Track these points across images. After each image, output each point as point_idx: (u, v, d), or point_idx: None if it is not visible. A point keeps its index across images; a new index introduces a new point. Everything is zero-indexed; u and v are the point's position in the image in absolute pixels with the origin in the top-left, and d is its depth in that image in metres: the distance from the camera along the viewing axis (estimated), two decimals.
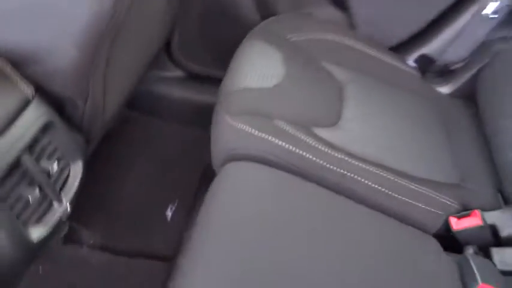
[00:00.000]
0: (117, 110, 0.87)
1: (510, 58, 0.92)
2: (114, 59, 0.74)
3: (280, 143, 0.72)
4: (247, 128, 0.73)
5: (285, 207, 0.66)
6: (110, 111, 0.81)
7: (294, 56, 0.94)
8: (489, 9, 1.00)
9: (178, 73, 1.30)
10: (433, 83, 1.09)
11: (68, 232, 0.73)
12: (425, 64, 1.12)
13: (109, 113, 0.82)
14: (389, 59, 1.09)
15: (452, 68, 1.08)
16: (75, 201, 0.68)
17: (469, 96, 1.02)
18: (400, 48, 1.15)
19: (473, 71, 1.02)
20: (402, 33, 1.13)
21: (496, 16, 0.98)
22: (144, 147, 1.21)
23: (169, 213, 1.08)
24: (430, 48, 1.12)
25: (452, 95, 1.06)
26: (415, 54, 1.13)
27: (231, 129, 0.74)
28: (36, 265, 0.81)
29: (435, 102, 1.02)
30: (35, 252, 0.55)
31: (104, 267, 0.87)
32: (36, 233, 0.55)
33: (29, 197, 0.56)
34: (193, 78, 1.28)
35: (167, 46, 1.25)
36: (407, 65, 1.12)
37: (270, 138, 0.72)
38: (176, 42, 1.24)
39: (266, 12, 1.15)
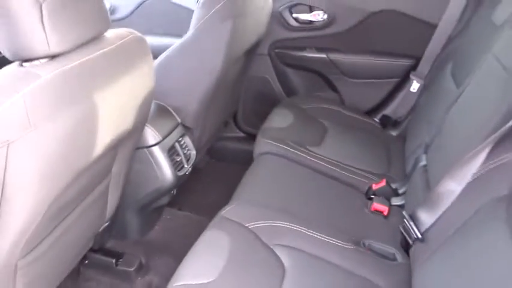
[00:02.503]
0: (208, 139, 1.72)
1: (419, 115, 1.66)
2: (210, 111, 1.60)
3: (288, 148, 1.51)
4: (270, 142, 1.54)
5: (293, 177, 1.43)
6: (205, 137, 1.66)
7: (300, 115, 1.76)
8: (413, 87, 1.78)
9: (240, 134, 2.18)
10: (389, 130, 1.84)
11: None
12: (386, 120, 1.89)
13: (205, 139, 1.67)
14: (362, 117, 1.87)
15: (399, 120, 1.84)
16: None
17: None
18: (371, 112, 1.94)
19: (407, 120, 1.77)
20: (370, 103, 1.94)
21: (415, 91, 1.77)
22: (217, 179, 2.05)
23: None
24: (388, 111, 1.90)
25: (398, 136, 1.80)
26: (379, 115, 1.91)
27: (262, 142, 1.55)
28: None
29: (385, 139, 1.76)
30: (177, 181, 1.38)
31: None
32: (180, 173, 1.39)
33: (177, 159, 1.40)
34: (249, 136, 2.14)
35: (234, 117, 2.14)
36: (374, 120, 1.90)
37: (282, 146, 1.52)
38: (240, 114, 2.14)
39: (290, 93, 2.02)
